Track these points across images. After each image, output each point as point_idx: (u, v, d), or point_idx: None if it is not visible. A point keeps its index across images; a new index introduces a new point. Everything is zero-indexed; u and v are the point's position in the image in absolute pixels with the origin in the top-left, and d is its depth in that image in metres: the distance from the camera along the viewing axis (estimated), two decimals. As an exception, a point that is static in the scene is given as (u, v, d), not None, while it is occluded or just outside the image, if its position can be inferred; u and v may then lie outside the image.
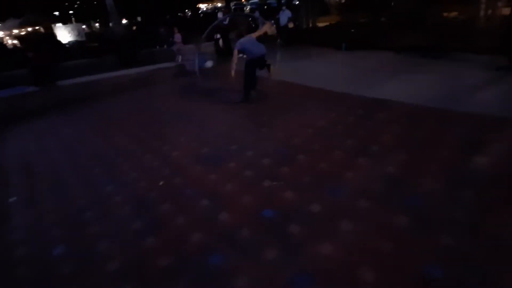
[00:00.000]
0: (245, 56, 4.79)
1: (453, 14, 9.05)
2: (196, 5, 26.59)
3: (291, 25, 10.62)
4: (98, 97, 6.42)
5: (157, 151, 3.53)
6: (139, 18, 23.10)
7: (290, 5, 15.62)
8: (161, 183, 2.84)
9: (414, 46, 6.71)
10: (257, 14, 10.51)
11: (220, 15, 9.24)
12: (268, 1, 28.21)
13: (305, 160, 2.91)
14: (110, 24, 16.05)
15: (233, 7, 26.57)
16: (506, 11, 7.11)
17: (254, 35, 4.78)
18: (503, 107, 3.53)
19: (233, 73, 4.69)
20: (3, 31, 17.11)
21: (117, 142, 3.98)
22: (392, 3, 10.55)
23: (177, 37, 8.29)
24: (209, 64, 7.45)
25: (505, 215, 1.93)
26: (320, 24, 13.00)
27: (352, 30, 8.49)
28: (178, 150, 3.49)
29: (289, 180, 2.61)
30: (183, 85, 6.80)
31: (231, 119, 4.35)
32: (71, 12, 23.52)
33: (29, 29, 17.07)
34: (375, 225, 1.97)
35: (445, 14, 8.84)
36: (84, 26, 24.83)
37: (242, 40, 4.72)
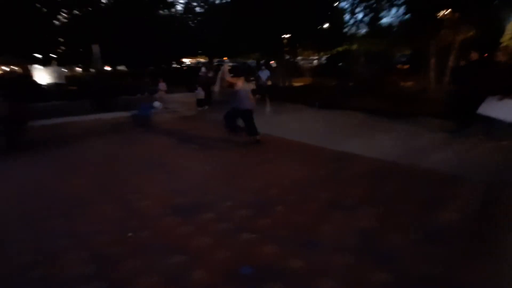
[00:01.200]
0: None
1: (408, 83, 10.51)
2: (180, 58, 28.33)
3: (269, 82, 11.62)
4: (67, 139, 6.14)
5: (124, 201, 3.29)
6: (121, 67, 23.89)
7: (268, 66, 17.36)
8: (129, 234, 2.60)
9: (376, 109, 7.53)
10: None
11: (203, 69, 9.90)
12: (247, 61, 31.03)
13: (282, 212, 2.89)
14: (91, 70, 16.43)
15: (216, 63, 28.70)
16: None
17: (249, 87, 5.14)
18: (457, 165, 3.91)
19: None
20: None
21: (79, 189, 3.66)
22: (358, 71, 12.16)
23: (162, 85, 8.60)
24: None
25: (475, 269, 1.99)
26: (295, 84, 14.40)
27: (324, 91, 9.42)
28: (148, 199, 3.29)
29: (266, 233, 2.53)
30: (158, 131, 6.78)
31: (206, 168, 4.30)
32: (54, 56, 23.84)
33: (7, 68, 16.79)
34: (355, 283, 1.91)
35: (401, 83, 10.23)
36: (65, 70, 24.99)
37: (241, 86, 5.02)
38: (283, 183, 3.57)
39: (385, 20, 16.46)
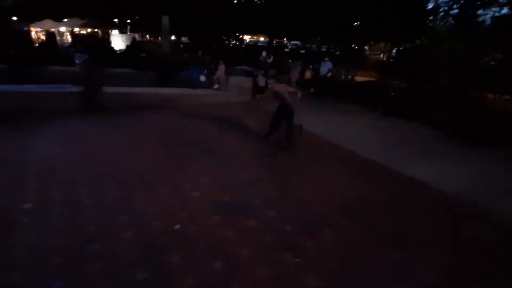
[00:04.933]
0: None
1: (498, 97, 8.76)
2: (241, 35, 28.22)
3: (330, 74, 10.84)
4: (133, 110, 6.61)
5: (179, 187, 3.42)
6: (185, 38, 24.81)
7: (330, 54, 16.20)
8: (177, 226, 2.68)
9: (453, 126, 6.45)
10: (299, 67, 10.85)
11: (264, 53, 9.65)
12: (308, 45, 29.59)
13: (332, 237, 2.68)
14: (160, 38, 17.39)
15: (274, 45, 28.00)
16: None
17: (290, 90, 4.92)
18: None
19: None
20: (66, 27, 18.85)
21: (141, 165, 3.95)
22: (434, 73, 10.50)
23: (221, 67, 8.62)
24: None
25: None
26: (358, 79, 13.14)
27: (392, 94, 8.43)
28: (199, 190, 3.36)
29: (311, 260, 2.37)
30: (212, 114, 6.89)
31: (259, 164, 4.24)
32: (129, 21, 25.80)
33: (89, 30, 18.74)
34: None
35: (490, 96, 8.60)
36: (137, 36, 26.99)
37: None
38: (335, 201, 3.32)
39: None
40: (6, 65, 8.33)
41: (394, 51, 20.08)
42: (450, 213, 3.24)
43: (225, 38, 23.28)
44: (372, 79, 13.70)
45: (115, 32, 17.08)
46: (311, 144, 5.28)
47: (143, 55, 13.51)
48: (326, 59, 10.52)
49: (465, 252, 2.58)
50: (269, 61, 8.94)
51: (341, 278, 2.20)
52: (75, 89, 6.42)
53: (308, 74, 12.33)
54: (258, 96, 8.52)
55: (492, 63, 14.13)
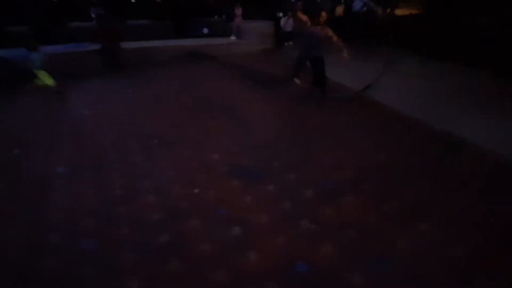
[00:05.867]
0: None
1: None
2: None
3: (365, 9, 9.35)
4: (152, 66, 6.48)
5: (199, 149, 3.42)
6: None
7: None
8: (196, 190, 2.74)
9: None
10: None
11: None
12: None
13: (353, 204, 2.56)
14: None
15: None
16: None
17: (322, 32, 4.27)
18: None
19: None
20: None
21: (162, 125, 3.99)
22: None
23: (238, 10, 7.72)
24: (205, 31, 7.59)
25: None
26: (401, 12, 11.16)
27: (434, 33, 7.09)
28: (219, 152, 3.34)
29: (330, 228, 2.31)
30: (232, 67, 6.51)
31: (281, 123, 4.05)
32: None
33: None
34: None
35: None
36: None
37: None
38: (362, 164, 3.11)
39: None
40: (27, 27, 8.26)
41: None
42: (493, 180, 2.88)
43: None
44: (414, 11, 11.61)
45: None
46: (343, 98, 4.84)
47: (159, 1, 12.64)
48: (358, -6, 8.95)
49: (502, 239, 2.34)
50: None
51: (356, 249, 2.13)
52: (94, 46, 6.34)
53: (339, 11, 10.76)
54: (285, 44, 7.70)
55: None
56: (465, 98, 4.69)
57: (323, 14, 4.31)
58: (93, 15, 8.43)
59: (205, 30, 7.53)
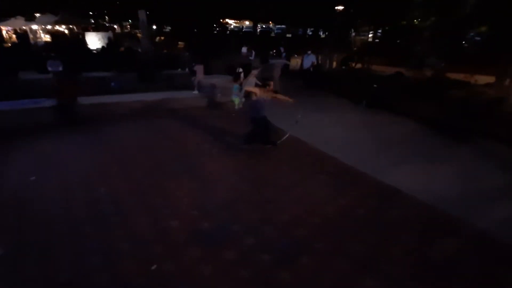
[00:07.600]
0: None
1: (485, 78, 8.66)
2: (224, 19, 27.00)
3: (312, 67, 10.64)
4: (114, 121, 6.41)
5: (156, 215, 3.38)
6: (167, 28, 23.76)
7: (316, 36, 15.56)
8: (153, 267, 2.66)
9: (436, 119, 6.50)
10: (282, 53, 10.53)
11: (244, 49, 9.31)
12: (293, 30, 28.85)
13: (308, 264, 2.71)
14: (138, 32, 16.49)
15: (259, 29, 27.16)
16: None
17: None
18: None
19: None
20: (38, 25, 17.80)
21: (118, 190, 3.85)
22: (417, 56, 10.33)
23: (198, 68, 8.23)
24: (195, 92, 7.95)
25: None
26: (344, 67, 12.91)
27: (375, 86, 8.36)
28: (178, 218, 3.33)
29: (287, 293, 2.40)
30: (197, 120, 6.75)
31: (238, 181, 4.20)
32: (105, 11, 24.54)
33: (63, 26, 17.71)
34: None
35: (474, 78, 8.55)
36: (116, 27, 25.75)
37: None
38: (314, 220, 3.34)
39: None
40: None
41: (379, 31, 19.74)
42: (430, 227, 3.29)
43: (208, 24, 22.30)
44: (358, 65, 13.57)
45: (89, 32, 16.24)
46: (293, 151, 5.24)
47: (122, 49, 12.93)
48: (309, 52, 10.27)
49: (446, 277, 2.65)
50: (251, 58, 8.64)
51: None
52: (49, 103, 6.15)
53: (294, 62, 12.06)
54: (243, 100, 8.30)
55: (477, 38, 14.01)
56: (396, 148, 5.45)
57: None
58: (49, 68, 8.24)
59: (195, 92, 7.84)
